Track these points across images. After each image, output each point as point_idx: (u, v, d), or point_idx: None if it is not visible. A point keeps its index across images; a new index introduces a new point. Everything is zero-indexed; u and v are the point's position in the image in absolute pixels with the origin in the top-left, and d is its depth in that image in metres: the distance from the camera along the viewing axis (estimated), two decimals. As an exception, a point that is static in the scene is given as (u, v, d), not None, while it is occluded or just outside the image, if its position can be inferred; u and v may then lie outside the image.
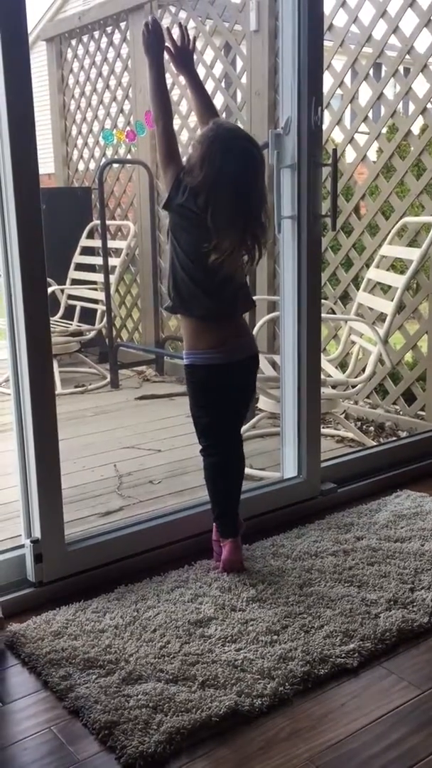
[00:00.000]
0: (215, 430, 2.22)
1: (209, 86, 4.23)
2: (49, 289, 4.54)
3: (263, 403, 3.25)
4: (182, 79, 2.43)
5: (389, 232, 3.52)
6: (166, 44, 2.15)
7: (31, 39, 1.96)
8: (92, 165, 5.30)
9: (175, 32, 2.17)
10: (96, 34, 5.04)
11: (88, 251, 5.06)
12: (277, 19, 3.53)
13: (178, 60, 2.18)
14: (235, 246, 2.00)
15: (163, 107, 2.10)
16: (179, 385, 4.50)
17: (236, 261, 2.04)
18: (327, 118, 3.63)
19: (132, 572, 2.22)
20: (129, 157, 4.92)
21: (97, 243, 4.89)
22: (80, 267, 5.03)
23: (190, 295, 2.09)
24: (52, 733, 1.64)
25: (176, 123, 4.42)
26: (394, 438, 3.37)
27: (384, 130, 3.67)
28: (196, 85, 2.23)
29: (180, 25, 2.22)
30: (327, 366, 3.43)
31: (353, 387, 3.43)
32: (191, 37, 2.21)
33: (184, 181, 2.02)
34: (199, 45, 4.25)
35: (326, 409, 3.20)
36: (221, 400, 2.18)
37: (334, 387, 3.38)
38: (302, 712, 1.68)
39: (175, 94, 4.46)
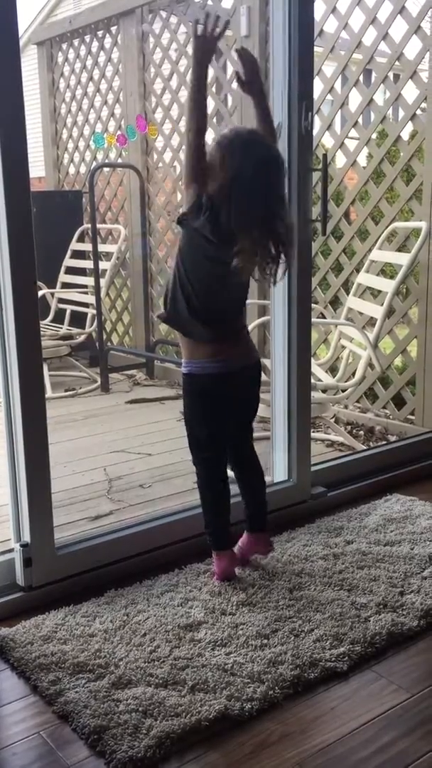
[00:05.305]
0: (214, 442, 2.16)
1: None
2: (40, 293, 4.55)
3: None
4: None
5: (379, 237, 3.54)
6: (236, 70, 2.13)
7: (21, 42, 1.96)
8: (83, 169, 5.30)
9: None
10: (87, 38, 5.04)
11: (78, 255, 5.06)
12: (267, 25, 3.55)
13: (246, 86, 2.14)
14: (256, 245, 1.94)
15: (198, 116, 1.97)
16: (170, 388, 4.50)
17: (252, 266, 1.98)
18: (317, 123, 3.64)
19: (122, 576, 2.22)
20: (120, 161, 4.92)
21: (87, 247, 4.89)
22: (71, 270, 5.03)
23: (190, 323, 2.06)
24: (41, 738, 1.63)
25: (184, 124, 4.41)
26: (384, 442, 3.38)
27: (374, 136, 3.69)
28: (262, 108, 2.16)
29: (242, 49, 2.15)
30: (317, 370, 3.44)
31: (343, 391, 3.44)
32: (257, 62, 2.16)
33: (204, 203, 1.94)
34: (189, 50, 4.26)
35: (316, 413, 3.21)
36: (222, 411, 2.13)
37: (324, 391, 3.39)
38: (292, 716, 1.68)
39: (182, 95, 4.42)
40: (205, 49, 1.99)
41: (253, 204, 1.93)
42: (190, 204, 1.98)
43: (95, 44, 4.99)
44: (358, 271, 3.66)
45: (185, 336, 2.11)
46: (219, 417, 2.14)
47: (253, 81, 2.13)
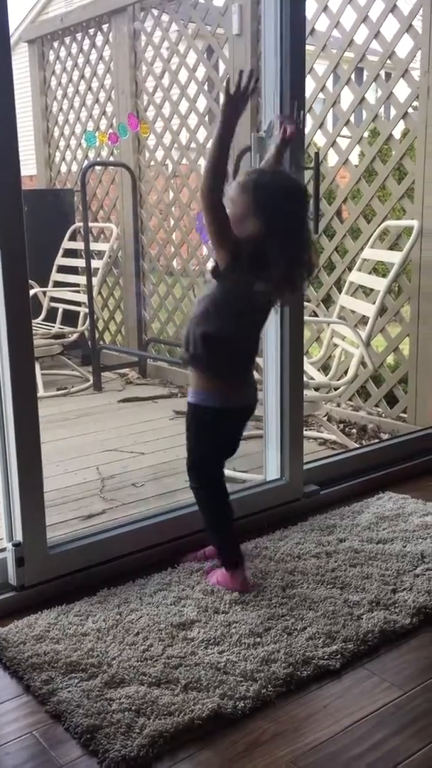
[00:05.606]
0: (214, 467, 2.20)
1: (192, 89, 4.25)
2: (31, 292, 4.53)
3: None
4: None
5: (371, 235, 3.54)
6: (286, 127, 2.18)
7: (12, 40, 1.95)
8: (74, 167, 5.28)
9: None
10: (78, 36, 5.03)
11: (70, 253, 5.04)
12: (259, 23, 3.54)
13: (286, 141, 2.20)
14: (285, 275, 1.98)
15: (221, 176, 1.91)
16: (162, 387, 4.50)
17: (285, 293, 2.06)
18: (309, 121, 3.64)
19: (115, 575, 2.22)
20: (111, 159, 4.92)
21: (79, 245, 4.88)
22: (63, 269, 5.01)
23: (210, 363, 2.06)
24: (34, 737, 1.63)
25: (176, 122, 4.41)
26: (377, 440, 3.39)
27: (366, 134, 3.69)
28: (282, 153, 2.24)
29: (292, 112, 2.26)
30: (309, 368, 3.44)
31: (336, 389, 3.44)
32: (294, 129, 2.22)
33: (242, 258, 1.92)
34: (181, 48, 4.27)
35: (309, 411, 3.21)
36: (223, 441, 2.18)
37: (316, 389, 3.39)
38: (285, 714, 1.68)
39: (174, 93, 4.41)
40: (235, 106, 1.92)
41: (292, 237, 1.97)
42: (226, 261, 1.94)
43: (87, 42, 4.98)
44: (350, 269, 3.66)
45: (201, 372, 2.10)
46: (219, 446, 2.18)
47: (293, 141, 2.25)
